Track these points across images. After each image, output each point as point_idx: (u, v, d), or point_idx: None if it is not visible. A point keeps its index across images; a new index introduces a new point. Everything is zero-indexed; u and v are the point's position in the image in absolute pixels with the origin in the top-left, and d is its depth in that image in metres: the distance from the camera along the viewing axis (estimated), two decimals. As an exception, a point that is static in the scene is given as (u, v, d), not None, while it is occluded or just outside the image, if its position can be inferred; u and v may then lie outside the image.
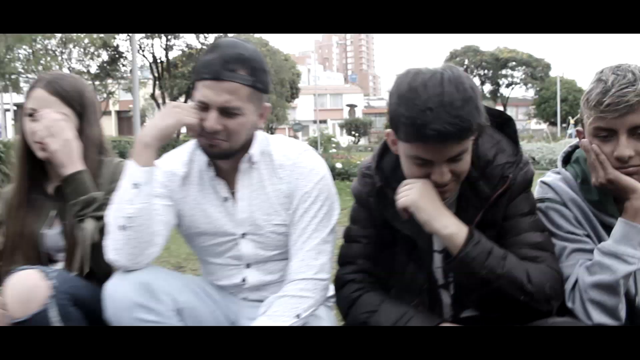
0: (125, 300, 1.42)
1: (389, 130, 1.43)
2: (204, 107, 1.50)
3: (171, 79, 21.50)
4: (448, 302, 1.54)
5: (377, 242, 1.53)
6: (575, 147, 1.61)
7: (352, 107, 43.21)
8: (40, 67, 21.63)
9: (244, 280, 1.66)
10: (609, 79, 1.40)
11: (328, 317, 1.67)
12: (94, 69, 22.58)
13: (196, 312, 1.56)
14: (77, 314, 1.49)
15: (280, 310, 1.51)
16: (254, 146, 1.59)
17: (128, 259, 1.46)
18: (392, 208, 1.46)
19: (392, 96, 1.36)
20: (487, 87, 45.57)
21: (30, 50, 20.45)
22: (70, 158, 1.67)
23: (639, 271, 1.45)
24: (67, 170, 1.67)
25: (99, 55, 22.39)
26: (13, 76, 21.30)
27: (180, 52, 22.92)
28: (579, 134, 1.54)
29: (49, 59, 20.80)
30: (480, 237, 1.36)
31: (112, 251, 1.46)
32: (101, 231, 1.58)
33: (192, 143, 1.66)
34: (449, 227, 1.36)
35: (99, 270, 1.61)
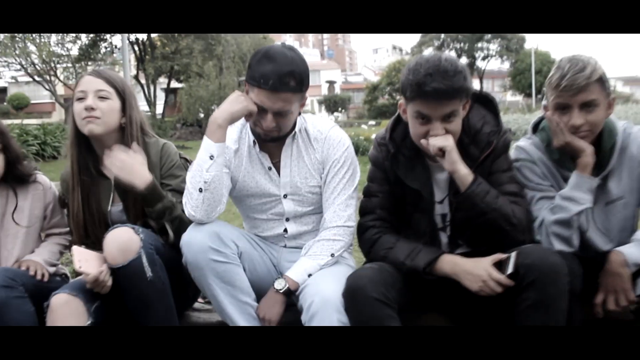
0: (202, 245, 1.82)
1: (401, 101, 1.88)
2: (261, 108, 1.89)
3: (154, 61, 21.53)
4: (445, 241, 1.98)
5: (390, 196, 1.97)
6: (542, 118, 2.05)
7: (331, 83, 43.39)
8: (17, 51, 21.48)
9: (285, 230, 2.09)
10: (565, 67, 1.84)
11: (350, 259, 2.11)
12: (74, 52, 22.44)
13: (251, 255, 1.99)
14: (159, 260, 1.88)
15: (318, 251, 1.95)
16: (296, 126, 2.01)
17: (203, 215, 1.86)
18: (403, 168, 1.91)
19: (403, 72, 1.83)
20: (464, 60, 46.04)
21: (7, 35, 20.27)
22: (132, 175, 1.94)
23: (589, 212, 1.91)
24: (135, 186, 1.94)
25: (78, 38, 22.26)
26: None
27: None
28: (545, 108, 1.98)
29: (27, 43, 20.69)
30: (482, 180, 1.81)
31: (191, 208, 1.87)
32: (176, 230, 1.96)
33: (239, 123, 2.06)
34: (465, 169, 1.80)
35: None
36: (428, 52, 46.54)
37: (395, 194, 1.97)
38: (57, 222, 2.18)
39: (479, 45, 44.45)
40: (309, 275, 1.90)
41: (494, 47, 44.62)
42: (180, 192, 1.99)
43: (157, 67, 21.56)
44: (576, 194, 1.84)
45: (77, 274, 1.94)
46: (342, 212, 1.99)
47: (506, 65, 45.62)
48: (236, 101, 1.89)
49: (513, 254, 1.71)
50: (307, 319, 1.75)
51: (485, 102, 1.99)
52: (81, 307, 1.79)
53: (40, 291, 1.87)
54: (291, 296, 1.91)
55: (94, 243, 2.01)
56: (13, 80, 28.20)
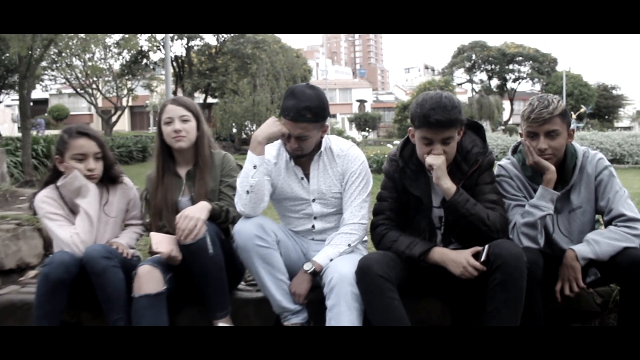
0: (249, 233, 2.38)
1: (411, 128, 2.43)
2: (287, 134, 2.47)
3: (192, 78, 22.45)
4: (440, 238, 2.51)
5: (397, 201, 2.50)
6: (520, 143, 2.57)
7: (362, 102, 44.22)
8: (64, 65, 22.61)
9: (313, 227, 2.64)
10: (535, 103, 2.36)
11: (364, 250, 2.64)
12: (116, 67, 23.54)
13: (286, 244, 2.54)
14: (218, 242, 2.45)
15: (338, 242, 2.50)
16: (322, 145, 2.57)
17: (250, 210, 2.43)
18: (409, 179, 2.45)
19: (412, 105, 2.36)
20: (495, 82, 46.23)
21: (57, 50, 21.41)
22: (200, 214, 2.40)
23: (553, 218, 2.42)
24: (205, 216, 2.44)
25: (120, 54, 23.34)
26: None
27: (197, 51, 23.78)
28: (520, 135, 2.50)
29: (74, 59, 21.80)
30: (463, 192, 2.33)
31: (241, 206, 2.43)
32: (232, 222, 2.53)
33: (277, 143, 2.62)
34: (448, 183, 2.32)
35: None
36: (459, 72, 46.81)
37: (402, 199, 2.50)
38: (135, 215, 2.77)
39: (510, 67, 44.57)
40: (331, 260, 2.44)
41: (525, 69, 44.70)
42: (233, 187, 2.59)
43: (194, 84, 22.50)
44: (541, 203, 2.36)
45: (151, 253, 2.54)
46: (358, 212, 2.54)
47: (537, 87, 45.59)
48: (273, 125, 2.46)
49: (486, 246, 2.23)
50: (327, 291, 2.29)
51: (476, 129, 2.52)
52: (159, 276, 2.36)
53: (124, 265, 2.45)
54: (316, 276, 2.46)
55: (164, 226, 2.62)
56: (56, 92, 29.50)
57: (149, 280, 2.34)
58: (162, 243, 2.38)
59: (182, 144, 2.64)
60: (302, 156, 2.56)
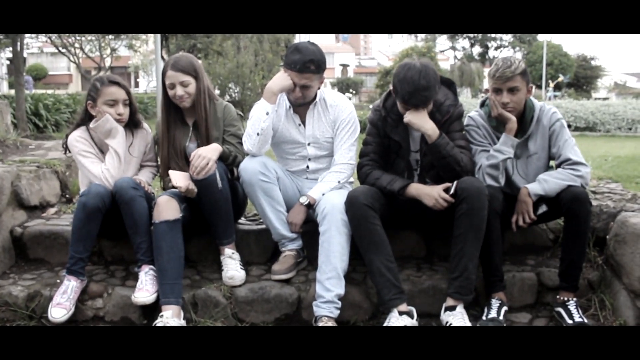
0: (254, 170, 2.77)
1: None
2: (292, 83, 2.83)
3: (176, 38, 22.41)
4: (416, 179, 2.92)
5: (380, 145, 2.90)
6: (487, 98, 2.98)
7: (344, 66, 44.25)
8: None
9: (307, 167, 3.05)
10: (499, 64, 2.76)
11: (351, 187, 3.05)
12: (99, 26, 23.30)
13: (284, 181, 2.94)
14: (226, 178, 2.81)
15: (330, 179, 2.91)
16: (317, 96, 2.95)
17: (256, 150, 2.82)
18: (390, 127, 2.84)
19: (395, 77, 2.69)
20: (477, 50, 46.54)
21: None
22: (212, 154, 2.72)
23: (513, 162, 2.85)
24: (215, 157, 2.74)
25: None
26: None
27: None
28: (487, 91, 2.91)
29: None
30: (445, 136, 2.71)
31: (250, 145, 2.81)
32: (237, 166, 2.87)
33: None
34: (432, 128, 2.69)
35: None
36: (442, 39, 46.74)
37: (384, 144, 2.90)
38: (151, 158, 3.13)
39: (492, 35, 44.75)
40: (323, 194, 2.85)
41: (507, 37, 44.95)
42: (236, 135, 2.96)
43: (179, 44, 22.48)
44: (503, 148, 2.78)
45: (164, 189, 2.92)
46: (346, 154, 2.95)
47: (518, 56, 45.81)
48: (286, 79, 2.83)
49: (455, 182, 2.65)
50: (320, 219, 2.70)
51: (449, 84, 2.92)
52: (176, 205, 2.74)
53: (145, 198, 2.82)
54: (310, 208, 2.87)
55: (174, 169, 2.95)
56: (37, 51, 29.04)
57: (168, 208, 2.72)
58: (180, 179, 2.76)
59: (185, 104, 2.95)
60: (304, 104, 2.93)
